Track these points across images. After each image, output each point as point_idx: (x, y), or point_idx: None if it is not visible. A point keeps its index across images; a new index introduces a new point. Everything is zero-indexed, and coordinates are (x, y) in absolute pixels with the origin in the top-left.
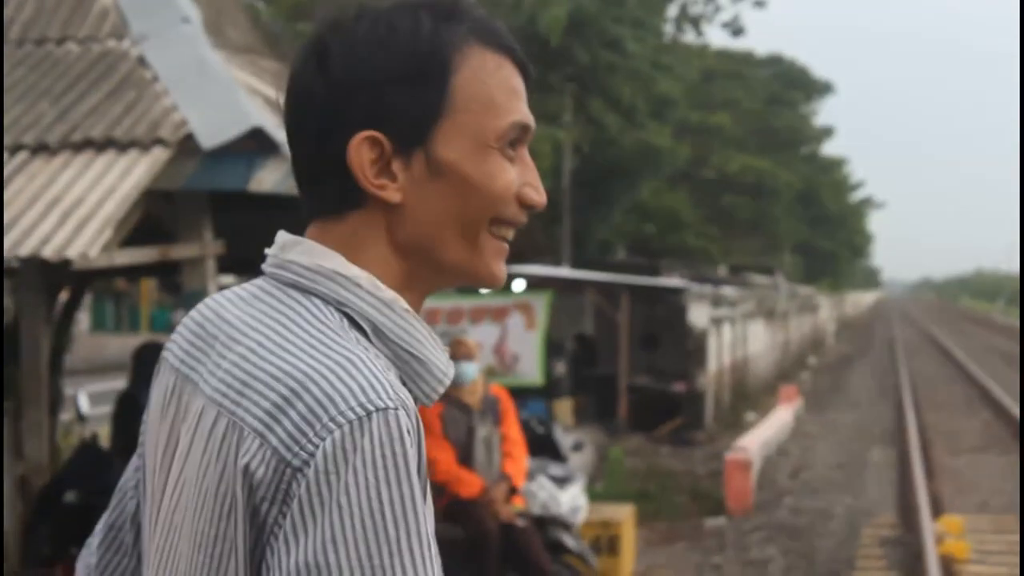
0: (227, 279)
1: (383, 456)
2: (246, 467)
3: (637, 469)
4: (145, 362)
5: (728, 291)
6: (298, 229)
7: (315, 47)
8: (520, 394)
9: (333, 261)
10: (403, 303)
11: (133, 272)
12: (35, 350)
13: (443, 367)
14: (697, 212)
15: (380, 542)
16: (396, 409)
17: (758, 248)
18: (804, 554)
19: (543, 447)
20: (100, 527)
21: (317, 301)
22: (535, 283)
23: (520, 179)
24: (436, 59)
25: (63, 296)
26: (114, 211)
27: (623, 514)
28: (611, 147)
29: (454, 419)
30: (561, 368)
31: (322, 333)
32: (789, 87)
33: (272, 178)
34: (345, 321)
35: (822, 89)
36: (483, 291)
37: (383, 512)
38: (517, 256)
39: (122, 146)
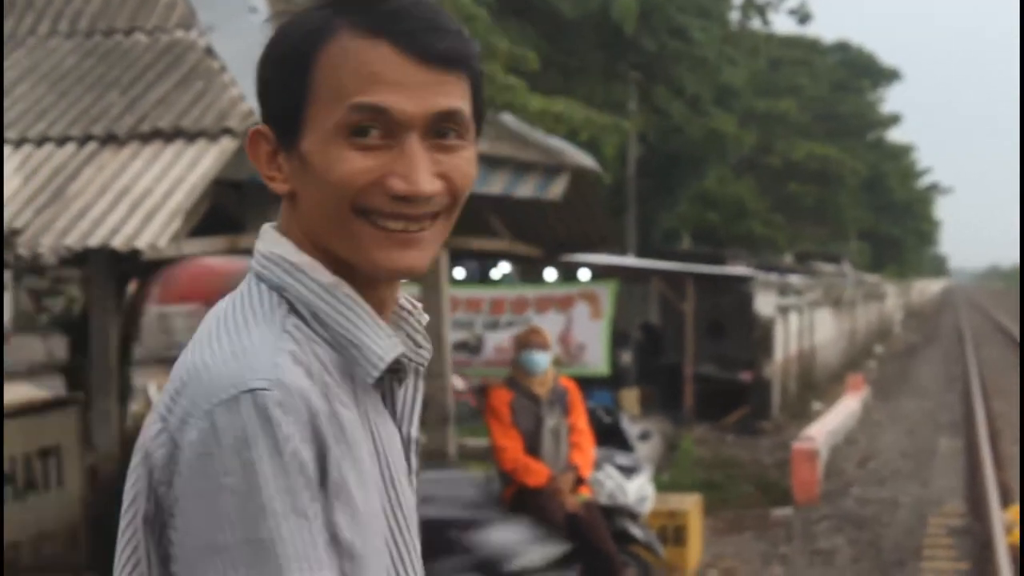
0: None
1: (255, 435)
2: (149, 450)
3: (703, 459)
4: None
5: (794, 279)
6: None
7: None
8: (586, 384)
9: (283, 247)
10: (346, 288)
11: None
12: (104, 340)
13: (380, 352)
14: (762, 200)
15: (263, 516)
16: (268, 389)
17: (824, 236)
18: (871, 544)
19: (610, 437)
20: None
21: (263, 287)
22: (600, 272)
23: (387, 168)
24: (298, 52)
25: (131, 286)
26: (182, 201)
27: (690, 504)
28: (676, 135)
29: (523, 408)
30: (627, 357)
31: (244, 320)
32: (856, 74)
33: None
34: (285, 306)
35: (889, 76)
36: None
37: (261, 488)
38: (582, 245)
39: (190, 136)
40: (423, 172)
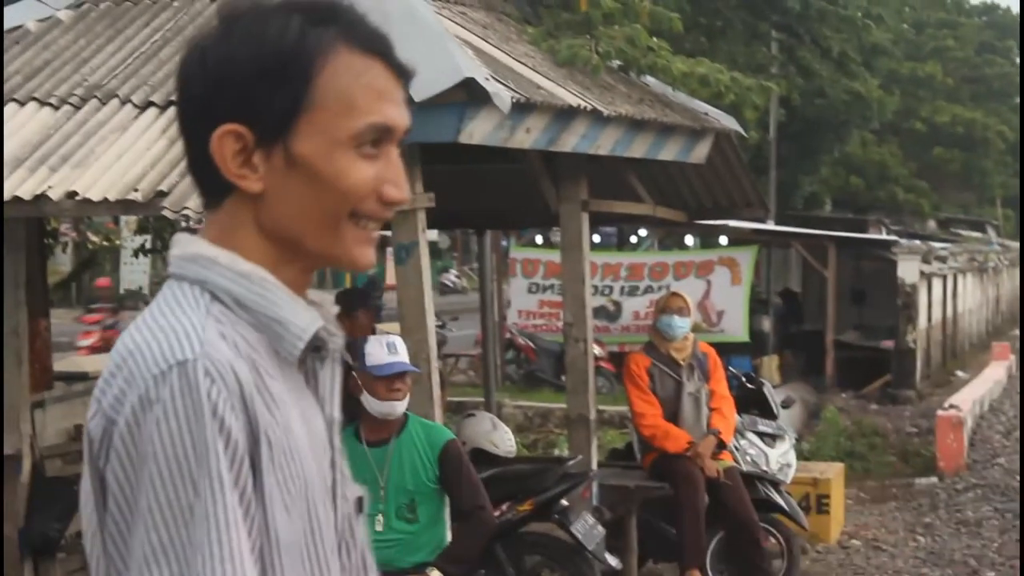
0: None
1: (183, 404)
2: (89, 429)
3: (845, 427)
4: (343, 303)
5: (938, 246)
6: (504, 181)
7: (202, 39)
8: (724, 350)
9: (197, 246)
10: (262, 273)
11: None
12: None
13: (302, 325)
14: (906, 165)
15: (185, 482)
16: (195, 360)
17: (969, 202)
18: (1019, 514)
19: (752, 404)
20: None
21: (184, 284)
22: (740, 238)
23: (381, 177)
24: (299, 59)
25: None
26: None
27: (832, 472)
28: (819, 98)
29: (662, 374)
30: (767, 324)
31: (169, 310)
32: (1003, 36)
33: (482, 130)
34: (207, 296)
35: None
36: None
37: (185, 455)
38: (727, 210)
39: None
40: (405, 180)
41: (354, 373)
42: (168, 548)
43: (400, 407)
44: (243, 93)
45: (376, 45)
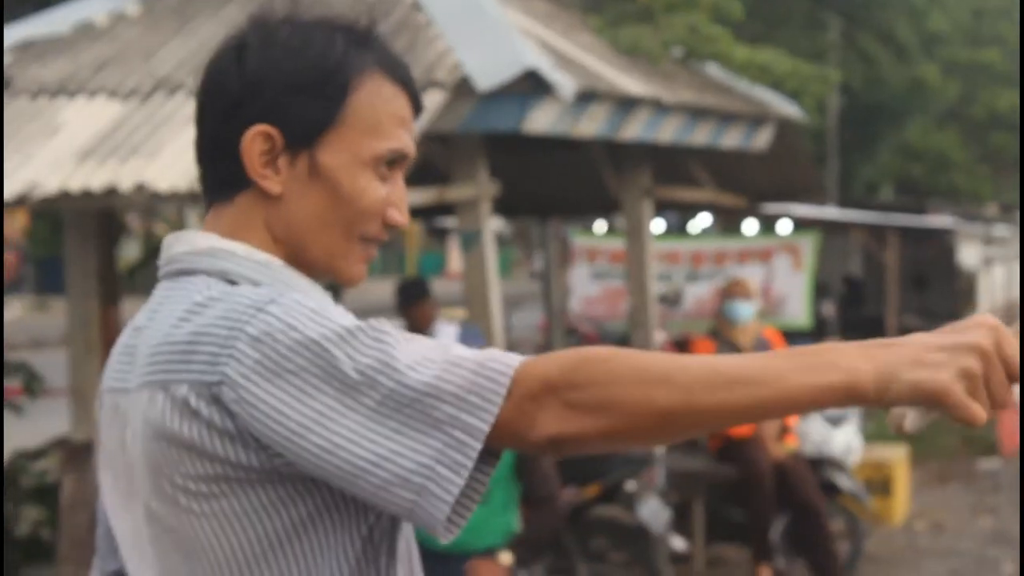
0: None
1: (292, 316)
2: (164, 418)
3: None
4: (406, 295)
5: (999, 230)
6: (567, 169)
7: (239, 39)
8: (787, 336)
9: (208, 240)
10: (279, 262)
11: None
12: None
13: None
14: (966, 151)
15: (339, 342)
16: (281, 296)
17: None
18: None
19: None
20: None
21: (201, 276)
22: (801, 224)
23: (389, 199)
24: (339, 78)
25: None
26: None
27: (897, 455)
28: (879, 85)
29: None
30: (829, 309)
31: (207, 294)
32: None
33: (545, 119)
34: (231, 286)
35: None
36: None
37: (321, 335)
38: (786, 195)
39: None
40: (407, 206)
41: None
42: (380, 394)
43: None
44: (279, 99)
45: (403, 75)
